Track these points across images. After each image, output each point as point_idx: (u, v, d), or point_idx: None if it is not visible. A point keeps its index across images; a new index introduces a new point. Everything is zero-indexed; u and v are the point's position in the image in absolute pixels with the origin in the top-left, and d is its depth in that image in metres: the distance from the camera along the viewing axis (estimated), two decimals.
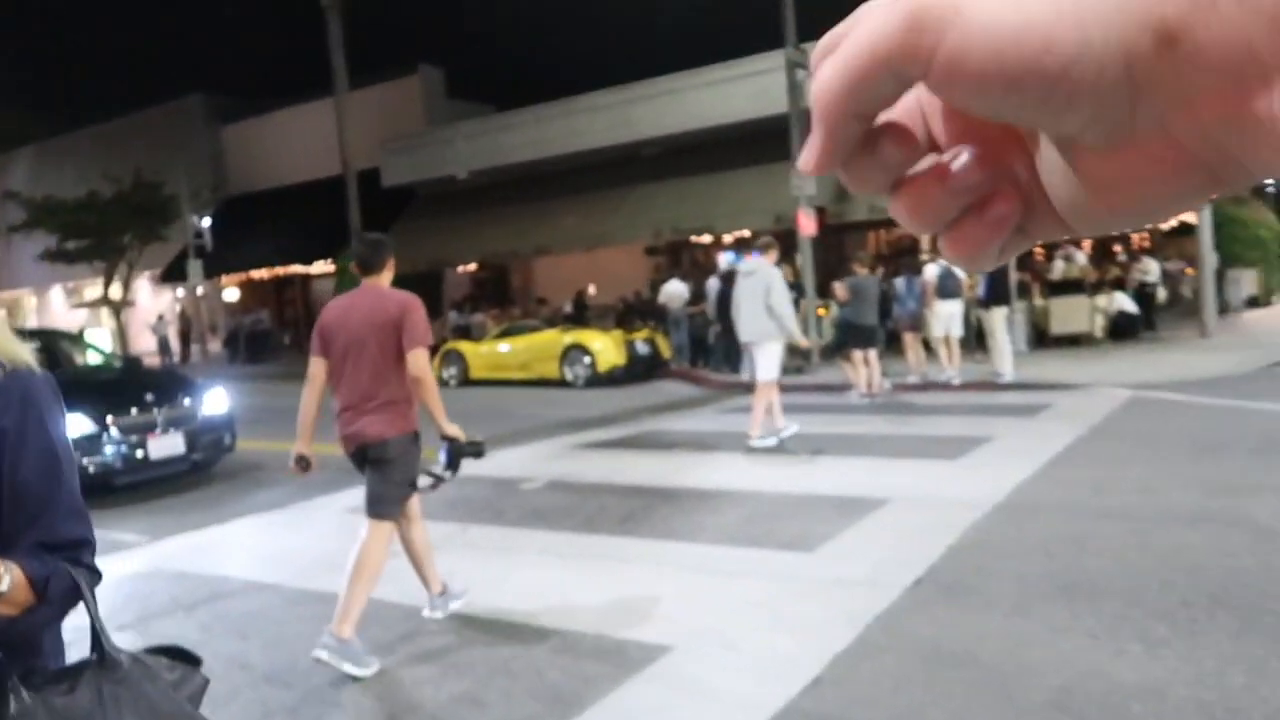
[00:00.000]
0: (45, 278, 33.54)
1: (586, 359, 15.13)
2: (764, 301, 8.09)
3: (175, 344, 28.20)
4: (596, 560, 5.26)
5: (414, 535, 4.37)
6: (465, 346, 16.93)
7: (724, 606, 4.37)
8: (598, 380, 14.97)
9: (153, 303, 32.00)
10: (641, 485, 7.13)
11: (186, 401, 8.28)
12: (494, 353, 16.41)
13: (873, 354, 11.19)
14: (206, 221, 25.71)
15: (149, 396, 8.03)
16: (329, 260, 22.75)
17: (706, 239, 20.50)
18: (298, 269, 27.07)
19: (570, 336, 15.61)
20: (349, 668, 3.80)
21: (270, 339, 26.29)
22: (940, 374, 11.98)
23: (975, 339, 13.73)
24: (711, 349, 15.66)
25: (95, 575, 1.49)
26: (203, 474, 8.71)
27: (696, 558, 5.17)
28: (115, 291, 27.56)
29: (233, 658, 4.15)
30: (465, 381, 16.49)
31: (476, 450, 4.44)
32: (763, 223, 18.43)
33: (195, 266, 25.28)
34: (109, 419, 7.64)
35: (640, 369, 15.68)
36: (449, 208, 24.37)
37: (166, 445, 7.90)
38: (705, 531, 5.69)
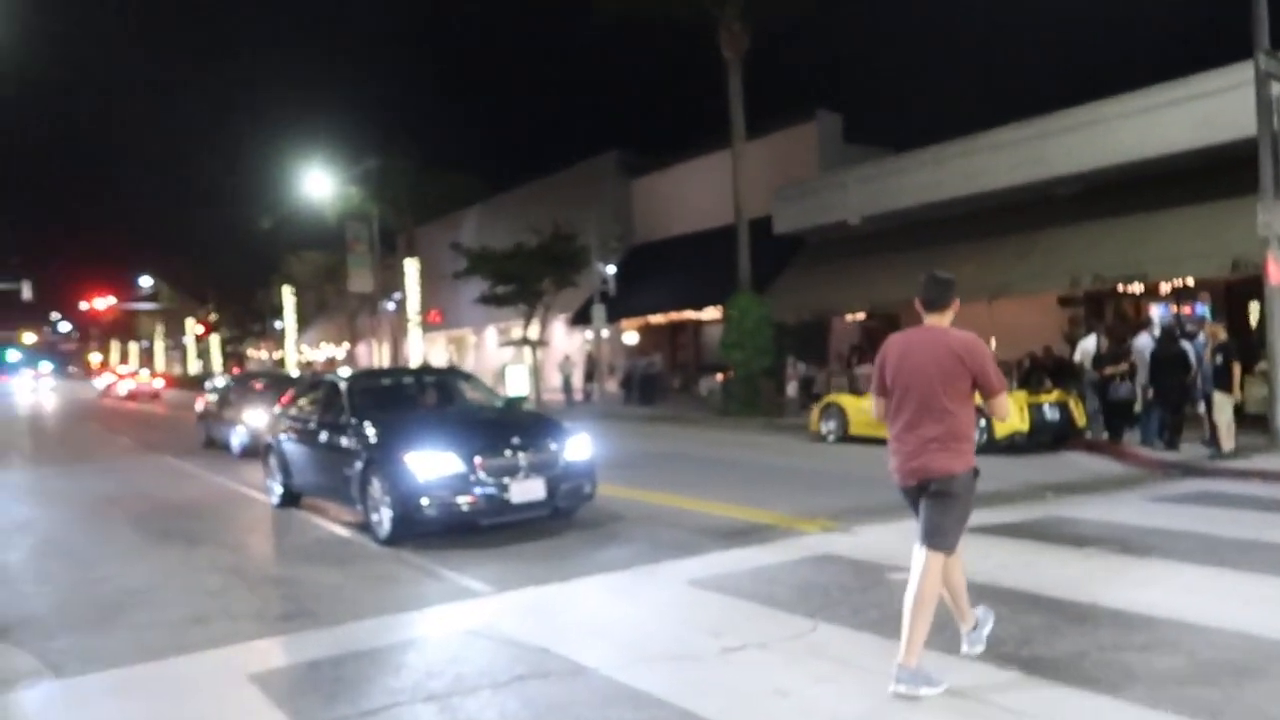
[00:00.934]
0: (482, 319, 38.02)
1: (982, 422, 13.41)
2: None
3: (578, 382, 30.21)
4: (973, 705, 4.02)
5: (954, 571, 4.37)
6: (846, 400, 15.92)
7: None
8: (994, 447, 13.19)
9: (565, 343, 34.84)
10: (1041, 594, 5.67)
11: (552, 447, 8.23)
12: None
13: None
14: (611, 269, 27.33)
15: (516, 439, 8.08)
16: (718, 306, 22.95)
17: (1136, 288, 17.61)
18: (690, 314, 27.82)
19: None
20: (925, 691, 4.05)
21: (660, 382, 27.20)
22: None
23: None
24: (1142, 419, 13.14)
25: None
26: (561, 521, 8.63)
27: None
28: (533, 332, 30.30)
29: None
30: (844, 437, 15.46)
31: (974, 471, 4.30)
32: (1212, 268, 15.40)
33: (599, 311, 26.95)
34: (477, 460, 7.75)
35: (1047, 437, 13.61)
36: (838, 254, 23.59)
37: (528, 490, 7.87)
38: (1135, 684, 4.18)
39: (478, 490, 7.69)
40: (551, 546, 7.70)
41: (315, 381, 10.37)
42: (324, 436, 9.25)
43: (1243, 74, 13.20)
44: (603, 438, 18.94)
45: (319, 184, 37.56)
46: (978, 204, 19.78)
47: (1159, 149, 16.08)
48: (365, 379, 10.14)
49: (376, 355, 44.81)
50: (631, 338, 31.79)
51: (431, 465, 7.68)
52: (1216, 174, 15.11)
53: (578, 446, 8.45)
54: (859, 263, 22.59)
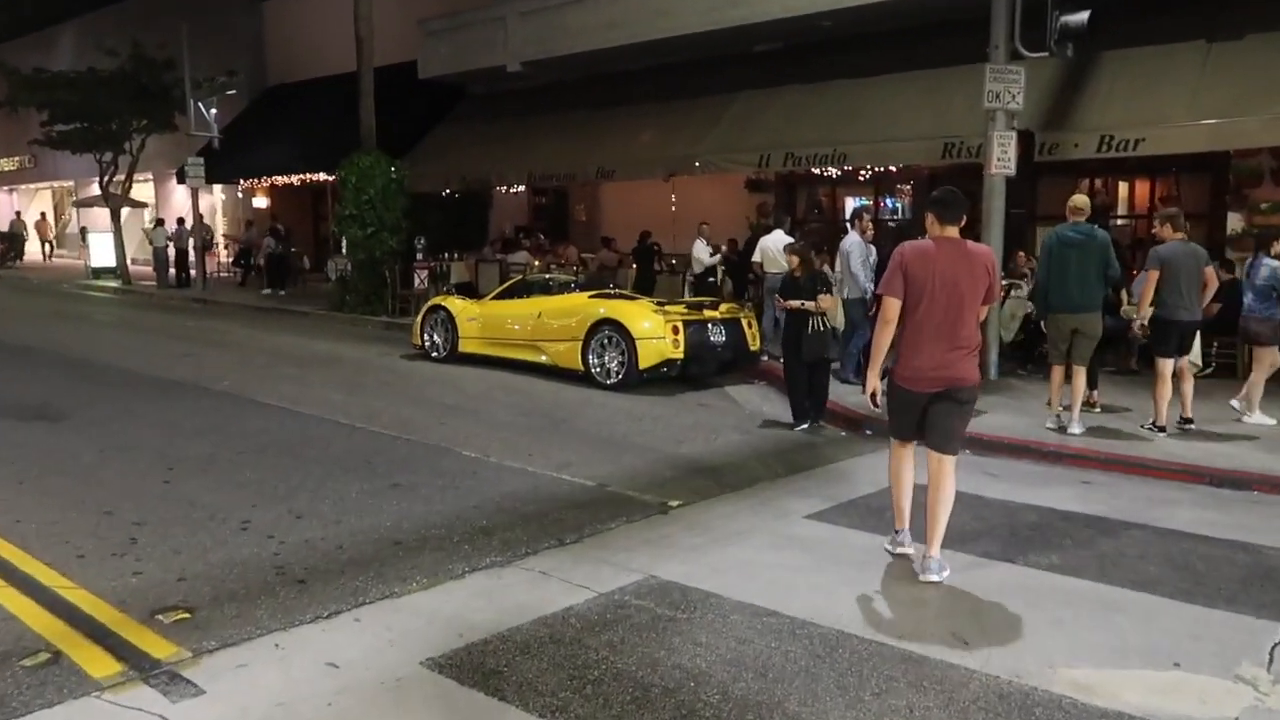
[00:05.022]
0: (88, 170, 29.60)
1: (624, 344, 9.53)
2: None
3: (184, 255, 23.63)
4: None
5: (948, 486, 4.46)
6: (455, 305, 11.44)
7: None
8: (630, 383, 9.43)
9: (186, 205, 27.68)
10: None
11: None
12: (491, 318, 10.93)
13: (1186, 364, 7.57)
14: (214, 112, 20.84)
15: None
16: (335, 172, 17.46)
17: (832, 173, 14.36)
18: (324, 177, 22.04)
19: (604, 307, 9.95)
20: (937, 576, 4.36)
21: (285, 261, 21.42)
22: None
23: None
24: (841, 344, 9.74)
25: None
26: None
27: None
28: (119, 187, 23.28)
29: None
30: (453, 355, 11.14)
31: None
32: (923, 154, 12.33)
33: (195, 166, 20.59)
34: None
35: (710, 367, 10.00)
36: (502, 111, 18.85)
37: None
38: None
39: None
40: None
41: None
42: None
43: None
44: (128, 342, 12.89)
45: None
46: (662, 54, 15.68)
47: None
48: None
49: None
50: (262, 202, 25.46)
51: None
52: (947, 34, 11.90)
53: None
54: (525, 122, 18.03)
